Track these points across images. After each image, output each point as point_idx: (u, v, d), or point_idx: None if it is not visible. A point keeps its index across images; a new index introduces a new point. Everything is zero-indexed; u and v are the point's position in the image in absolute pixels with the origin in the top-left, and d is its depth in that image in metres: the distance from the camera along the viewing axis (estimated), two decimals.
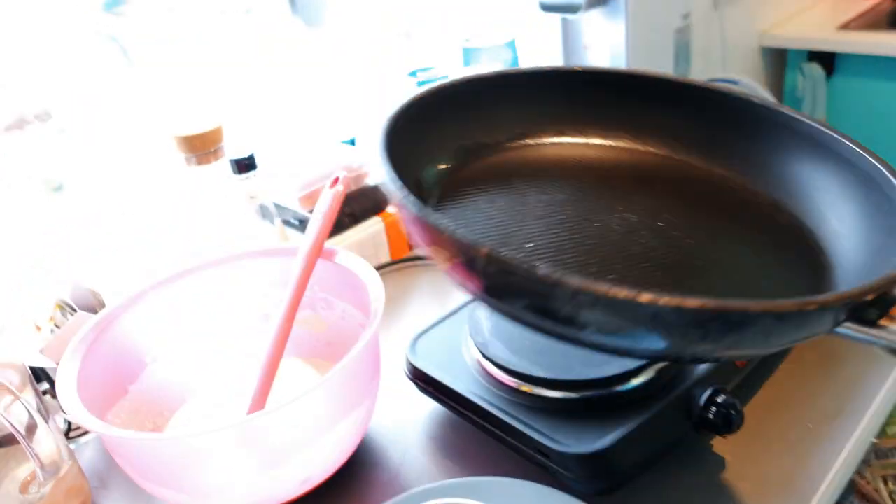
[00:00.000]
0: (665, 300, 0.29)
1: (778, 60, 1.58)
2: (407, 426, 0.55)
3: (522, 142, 0.52)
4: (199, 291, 0.58)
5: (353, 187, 0.76)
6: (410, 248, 0.81)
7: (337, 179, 0.58)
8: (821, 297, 0.31)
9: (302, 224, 0.74)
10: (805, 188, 0.46)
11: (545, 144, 0.52)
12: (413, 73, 0.94)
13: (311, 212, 0.71)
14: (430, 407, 0.55)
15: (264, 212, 0.70)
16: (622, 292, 0.29)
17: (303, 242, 0.55)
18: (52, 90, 0.79)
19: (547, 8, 1.05)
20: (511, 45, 1.03)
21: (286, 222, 0.76)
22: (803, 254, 0.43)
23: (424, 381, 0.53)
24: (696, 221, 0.44)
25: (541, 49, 1.30)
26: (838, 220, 0.43)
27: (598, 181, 0.49)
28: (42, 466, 0.45)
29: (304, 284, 0.54)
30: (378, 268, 0.76)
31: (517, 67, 0.54)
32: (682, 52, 1.17)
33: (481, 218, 0.43)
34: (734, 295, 0.31)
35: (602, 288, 0.29)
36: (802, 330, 0.32)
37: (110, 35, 0.82)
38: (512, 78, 0.53)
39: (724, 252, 0.43)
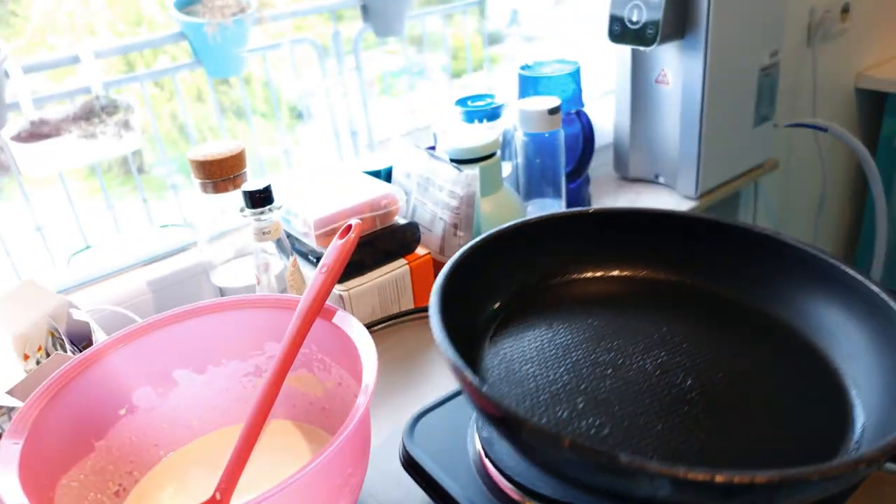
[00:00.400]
0: (738, 479, 0.31)
1: (875, 105, 1.43)
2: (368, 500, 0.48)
3: (555, 280, 0.55)
4: (187, 340, 0.52)
5: (380, 225, 0.70)
6: None
7: (349, 228, 0.51)
8: (867, 454, 0.32)
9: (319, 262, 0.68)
10: (814, 313, 0.48)
11: (580, 281, 0.55)
12: (462, 102, 0.87)
13: None
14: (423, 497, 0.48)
15: (281, 246, 0.65)
16: (700, 476, 0.31)
17: (303, 297, 0.49)
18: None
19: (617, 39, 0.96)
20: (574, 75, 0.95)
21: (305, 258, 0.70)
22: (821, 377, 0.45)
23: (417, 473, 0.46)
24: (720, 352, 0.47)
25: (607, 80, 1.21)
26: (849, 342, 0.45)
27: (626, 316, 0.51)
28: None
29: (298, 345, 0.48)
30: (397, 316, 0.70)
31: (539, 217, 0.55)
32: (767, 92, 1.06)
33: (529, 369, 0.45)
34: (772, 430, 0.40)
35: (681, 472, 0.31)
36: (851, 479, 0.34)
37: None
38: (536, 226, 0.55)
39: (751, 383, 0.44)
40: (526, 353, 0.46)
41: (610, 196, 1.07)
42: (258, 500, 0.35)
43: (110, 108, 2.25)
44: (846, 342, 0.45)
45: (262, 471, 0.49)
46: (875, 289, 0.43)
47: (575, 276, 0.54)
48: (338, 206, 0.67)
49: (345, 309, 0.67)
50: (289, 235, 0.73)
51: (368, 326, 0.68)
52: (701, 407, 0.41)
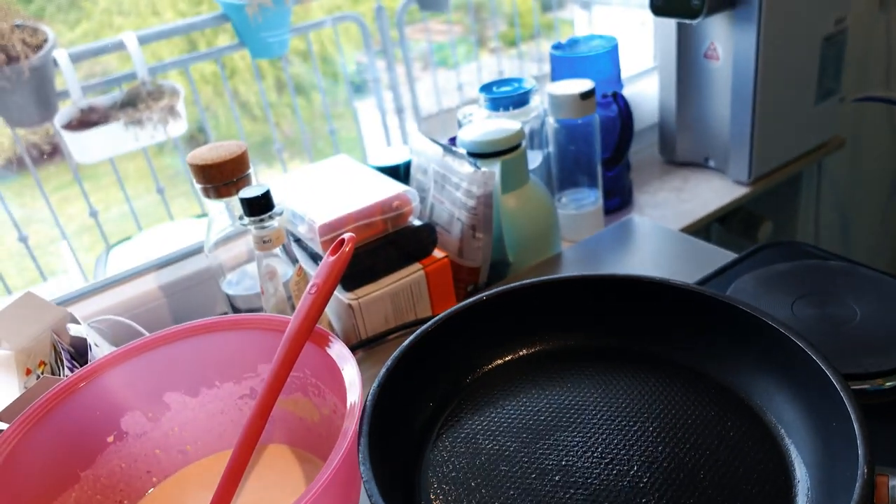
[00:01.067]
0: None
1: None
2: None
3: (481, 371, 0.49)
4: (178, 361, 0.49)
5: (392, 228, 0.65)
6: (459, 298, 0.70)
7: (341, 242, 0.47)
8: None
9: None
10: (750, 372, 0.44)
11: (504, 365, 0.49)
12: (487, 88, 0.81)
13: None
14: None
15: (284, 254, 0.61)
16: None
17: (291, 321, 0.45)
18: None
19: (660, 11, 0.88)
20: (612, 54, 0.87)
21: (315, 262, 0.67)
22: (764, 442, 0.40)
23: None
24: (662, 423, 0.42)
25: (648, 57, 1.13)
26: (786, 404, 0.41)
27: (560, 397, 0.45)
28: None
29: (286, 371, 0.44)
30: (412, 324, 0.66)
31: (451, 311, 0.49)
32: (832, 63, 0.96)
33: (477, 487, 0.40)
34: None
35: None
36: None
37: None
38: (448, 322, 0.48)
39: (698, 458, 0.40)
40: (469, 468, 0.41)
41: (654, 183, 0.99)
42: None
43: (156, 94, 2.26)
44: (783, 404, 0.41)
45: (255, 498, 0.47)
46: (810, 353, 0.39)
47: (499, 360, 0.49)
48: (344, 209, 0.63)
49: (354, 319, 0.64)
50: (297, 240, 0.69)
51: (380, 337, 0.64)
52: (657, 497, 0.37)
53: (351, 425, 0.37)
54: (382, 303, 0.64)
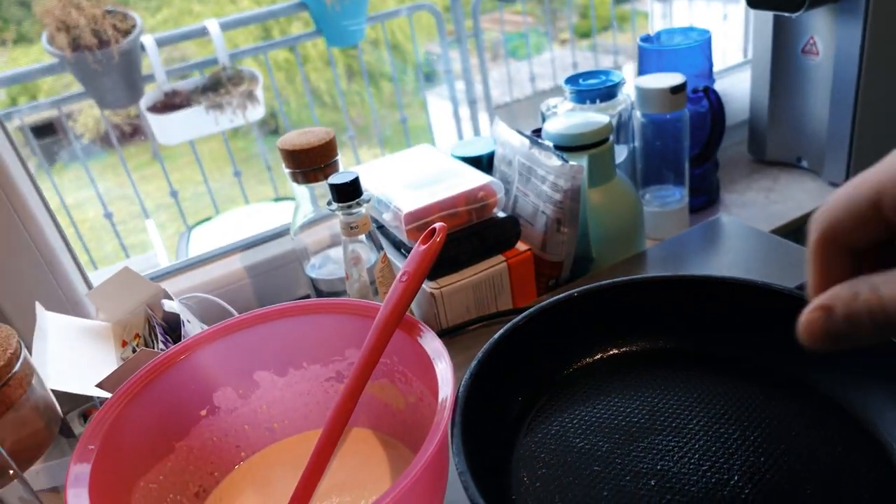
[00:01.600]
0: None
1: None
2: None
3: (575, 366, 0.48)
4: (269, 341, 0.50)
5: (476, 219, 0.65)
6: (540, 292, 0.69)
7: (432, 232, 0.47)
8: None
9: None
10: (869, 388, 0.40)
11: (600, 362, 0.48)
12: (573, 80, 0.80)
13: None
14: None
15: (369, 240, 0.62)
16: None
17: (381, 308, 0.46)
18: None
19: (757, 4, 0.84)
20: (704, 47, 0.84)
21: (399, 251, 0.67)
22: (874, 452, 0.38)
23: None
24: (766, 435, 0.40)
25: (733, 51, 1.09)
26: None
27: (657, 399, 0.44)
28: None
29: (375, 358, 0.44)
30: (494, 316, 0.65)
31: (545, 303, 0.48)
32: None
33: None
34: None
35: None
36: None
37: None
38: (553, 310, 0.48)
39: (803, 479, 0.37)
40: (560, 465, 0.40)
41: (742, 182, 0.95)
42: None
43: (236, 80, 2.32)
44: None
45: (340, 481, 0.47)
46: None
47: (607, 351, 0.48)
48: (430, 199, 0.63)
49: (436, 308, 0.64)
50: (380, 227, 0.70)
51: (461, 327, 0.64)
52: None
53: (443, 419, 0.37)
54: (465, 293, 0.64)
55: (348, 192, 0.57)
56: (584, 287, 0.46)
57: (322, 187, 0.64)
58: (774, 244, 0.71)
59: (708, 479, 0.37)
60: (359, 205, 0.58)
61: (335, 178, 0.57)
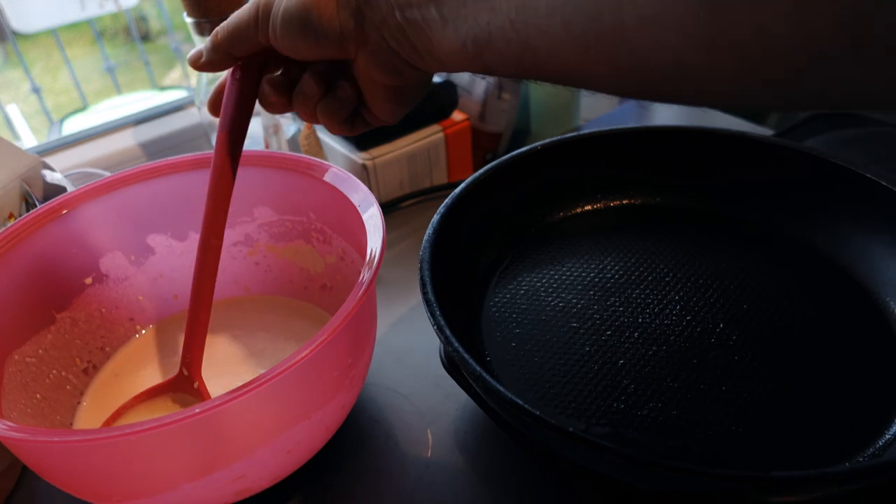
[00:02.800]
0: None
1: None
2: (400, 402, 0.41)
3: (551, 219, 0.45)
4: (165, 199, 0.43)
5: None
6: (477, 166, 0.64)
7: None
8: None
9: None
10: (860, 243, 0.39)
11: (578, 216, 0.45)
12: None
13: None
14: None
15: None
16: None
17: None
18: None
19: None
20: None
21: None
22: (858, 295, 0.37)
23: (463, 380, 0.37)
24: (754, 289, 0.38)
25: None
26: None
27: (637, 254, 0.41)
28: None
29: (220, 197, 0.36)
30: (428, 191, 0.60)
31: (556, 139, 0.44)
32: None
33: (544, 345, 0.36)
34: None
35: None
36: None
37: None
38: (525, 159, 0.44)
39: (797, 320, 0.36)
40: (535, 324, 0.37)
41: None
42: (236, 396, 0.27)
43: None
44: (880, 264, 0.37)
45: (253, 350, 0.42)
46: None
47: (572, 210, 0.45)
48: None
49: (368, 181, 0.58)
50: None
51: (394, 203, 0.59)
52: (750, 354, 0.33)
53: (370, 274, 0.32)
54: (398, 165, 0.58)
55: None
56: (552, 139, 0.42)
57: None
58: (708, 114, 0.70)
59: (693, 328, 0.35)
60: None
61: None
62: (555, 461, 0.30)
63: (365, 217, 0.36)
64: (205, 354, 0.38)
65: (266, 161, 0.42)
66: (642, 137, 0.43)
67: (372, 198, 0.37)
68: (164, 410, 0.39)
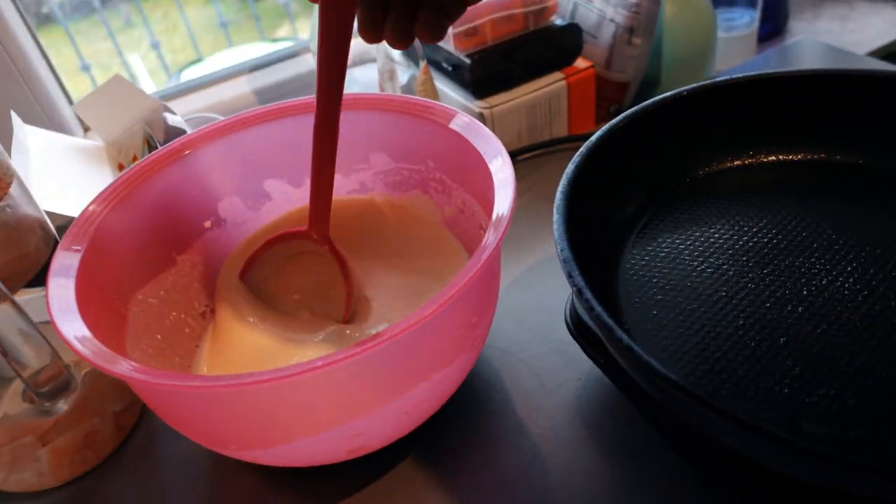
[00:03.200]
0: None
1: None
2: (518, 367, 0.38)
3: (700, 173, 0.40)
4: (280, 144, 0.42)
5: (532, 26, 0.54)
6: (600, 119, 0.60)
7: None
8: None
9: (456, 71, 0.54)
10: None
11: (732, 171, 0.40)
12: None
13: (469, 56, 0.52)
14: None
15: (410, 50, 0.51)
16: None
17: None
18: None
19: None
20: None
21: (438, 68, 0.57)
22: None
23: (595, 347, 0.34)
24: None
25: None
26: None
27: (800, 216, 0.36)
28: (32, 384, 0.33)
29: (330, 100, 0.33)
30: (548, 143, 0.56)
31: (678, 92, 0.39)
32: None
33: (692, 313, 0.32)
34: None
35: None
36: None
37: None
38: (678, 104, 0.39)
39: None
40: (678, 290, 0.32)
41: (812, 10, 0.84)
42: (360, 351, 0.25)
43: None
44: None
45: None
46: None
47: (720, 165, 0.39)
48: None
49: None
50: None
51: (512, 155, 0.56)
52: None
53: (495, 236, 0.29)
54: (517, 114, 0.54)
55: None
56: (701, 83, 0.37)
57: None
58: (866, 65, 0.62)
59: (871, 305, 0.30)
60: None
61: None
62: (693, 440, 0.27)
63: (493, 169, 0.33)
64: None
65: (384, 104, 0.40)
66: (801, 83, 0.38)
67: (501, 147, 0.34)
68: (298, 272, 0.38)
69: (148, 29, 1.92)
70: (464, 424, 0.36)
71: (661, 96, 0.37)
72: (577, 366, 0.38)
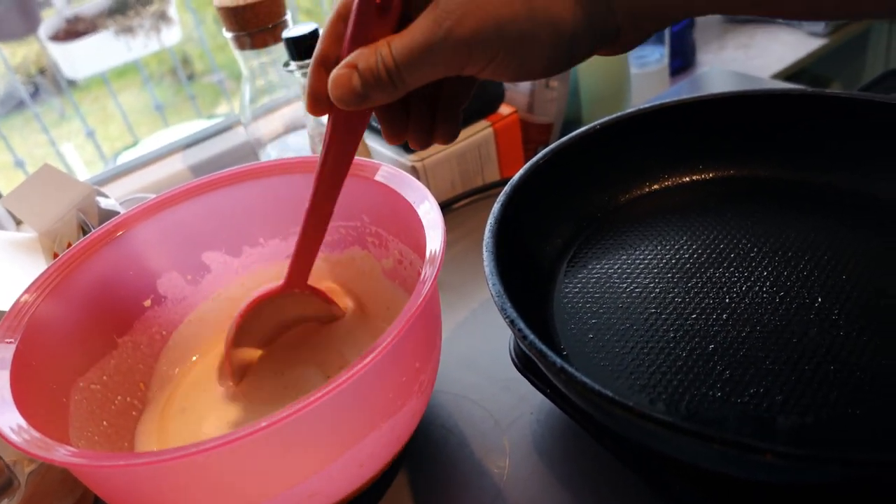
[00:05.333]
0: None
1: None
2: (472, 409, 0.38)
3: (625, 198, 0.42)
4: (216, 214, 0.42)
5: None
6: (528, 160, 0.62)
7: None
8: None
9: None
10: None
11: (654, 194, 0.42)
12: None
13: None
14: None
15: None
16: None
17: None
18: None
19: None
20: None
21: (371, 128, 0.59)
22: None
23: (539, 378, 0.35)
24: (846, 259, 0.34)
25: None
26: None
27: (719, 229, 0.38)
28: None
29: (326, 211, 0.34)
30: (482, 189, 0.58)
31: (601, 122, 0.42)
32: None
33: (625, 329, 0.33)
34: None
35: None
36: None
37: None
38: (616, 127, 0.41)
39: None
40: (611, 312, 0.34)
41: (717, 42, 0.90)
42: (301, 408, 0.25)
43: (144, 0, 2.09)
44: None
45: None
46: None
47: (639, 191, 0.42)
48: None
49: None
50: None
51: (447, 203, 0.57)
52: (857, 328, 0.30)
53: (433, 270, 0.30)
54: (448, 164, 0.56)
55: (308, 48, 0.48)
56: (614, 116, 0.40)
57: (275, 52, 0.55)
58: (767, 87, 0.66)
59: (788, 305, 0.32)
60: None
61: (292, 32, 0.48)
62: (644, 457, 0.28)
63: (421, 213, 0.34)
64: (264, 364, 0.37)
65: (312, 167, 0.41)
66: (704, 107, 0.40)
67: (427, 192, 0.35)
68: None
69: (81, 118, 1.91)
70: (424, 471, 0.36)
71: (576, 132, 0.39)
72: (528, 401, 0.39)
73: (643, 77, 0.76)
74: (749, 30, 0.90)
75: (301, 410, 0.25)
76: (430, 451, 0.37)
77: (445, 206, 0.57)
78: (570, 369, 0.24)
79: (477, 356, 0.42)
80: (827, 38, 0.84)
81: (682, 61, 0.85)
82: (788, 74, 0.84)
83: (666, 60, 0.77)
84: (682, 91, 0.71)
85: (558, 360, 0.25)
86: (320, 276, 0.44)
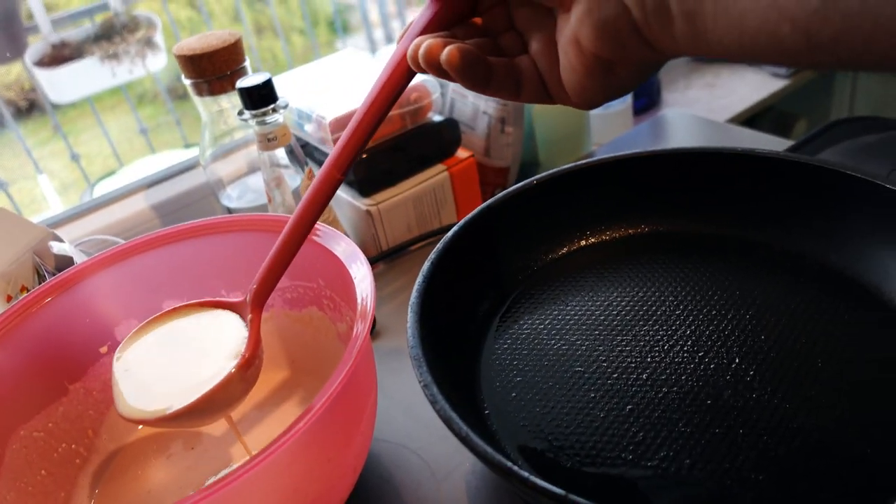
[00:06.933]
0: None
1: None
2: (409, 458, 0.39)
3: (553, 256, 0.43)
4: (178, 265, 0.43)
5: (410, 125, 0.58)
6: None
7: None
8: None
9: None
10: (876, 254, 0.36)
11: (581, 251, 0.43)
12: None
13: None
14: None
15: (293, 156, 0.54)
16: None
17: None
18: None
19: None
20: None
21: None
22: (883, 314, 0.34)
23: None
24: (768, 316, 0.35)
25: None
26: None
27: (644, 287, 0.39)
28: None
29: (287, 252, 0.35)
30: (438, 232, 0.59)
31: (527, 183, 0.43)
32: None
33: (551, 392, 0.34)
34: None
35: None
36: None
37: None
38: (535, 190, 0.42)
39: (818, 347, 0.33)
40: (537, 370, 0.35)
41: (682, 81, 0.91)
42: (253, 466, 0.25)
43: (131, 26, 2.12)
44: None
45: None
46: None
47: (575, 244, 0.43)
48: (357, 103, 0.55)
49: (374, 228, 0.57)
50: (304, 145, 0.62)
51: (403, 247, 0.58)
52: (769, 390, 0.31)
53: (363, 327, 0.30)
54: (404, 208, 0.57)
55: (262, 97, 0.49)
56: (547, 173, 0.41)
57: (234, 97, 0.55)
58: (727, 132, 0.68)
59: (706, 365, 0.32)
60: (275, 111, 0.50)
61: (245, 82, 0.49)
62: None
63: (352, 270, 0.35)
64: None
65: (273, 225, 0.41)
66: (641, 163, 0.41)
67: (355, 248, 0.36)
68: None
69: (66, 141, 1.92)
70: None
71: (511, 188, 0.40)
72: (464, 451, 0.39)
73: (606, 117, 0.78)
74: (714, 69, 0.92)
75: (237, 479, 0.25)
76: (368, 500, 0.38)
77: (401, 249, 0.58)
78: (475, 439, 0.25)
79: (417, 404, 0.42)
80: (789, 79, 0.86)
81: (647, 100, 0.87)
82: (754, 113, 0.86)
83: (629, 100, 0.78)
84: (644, 133, 0.72)
85: (464, 428, 0.25)
86: (273, 332, 0.44)
